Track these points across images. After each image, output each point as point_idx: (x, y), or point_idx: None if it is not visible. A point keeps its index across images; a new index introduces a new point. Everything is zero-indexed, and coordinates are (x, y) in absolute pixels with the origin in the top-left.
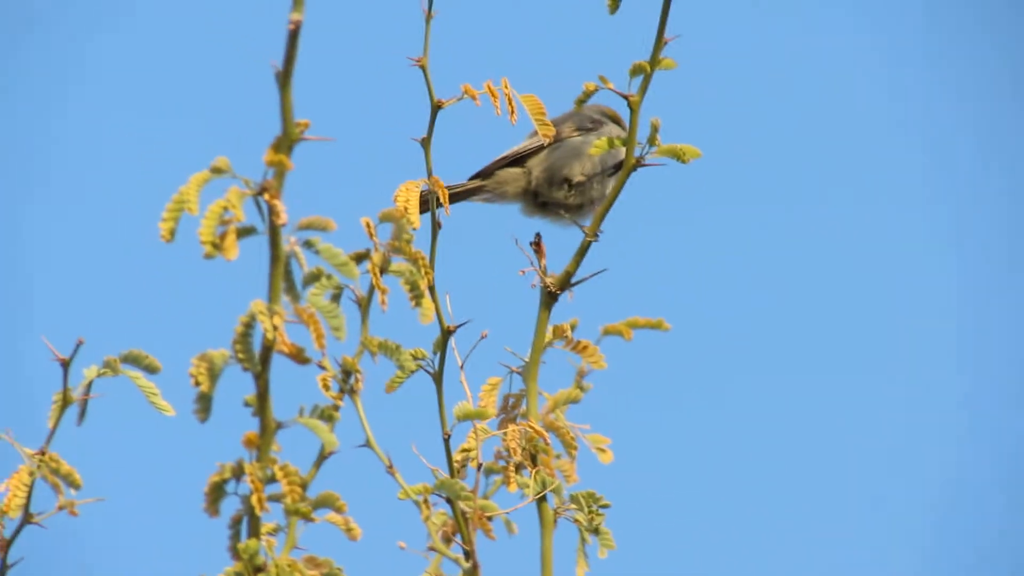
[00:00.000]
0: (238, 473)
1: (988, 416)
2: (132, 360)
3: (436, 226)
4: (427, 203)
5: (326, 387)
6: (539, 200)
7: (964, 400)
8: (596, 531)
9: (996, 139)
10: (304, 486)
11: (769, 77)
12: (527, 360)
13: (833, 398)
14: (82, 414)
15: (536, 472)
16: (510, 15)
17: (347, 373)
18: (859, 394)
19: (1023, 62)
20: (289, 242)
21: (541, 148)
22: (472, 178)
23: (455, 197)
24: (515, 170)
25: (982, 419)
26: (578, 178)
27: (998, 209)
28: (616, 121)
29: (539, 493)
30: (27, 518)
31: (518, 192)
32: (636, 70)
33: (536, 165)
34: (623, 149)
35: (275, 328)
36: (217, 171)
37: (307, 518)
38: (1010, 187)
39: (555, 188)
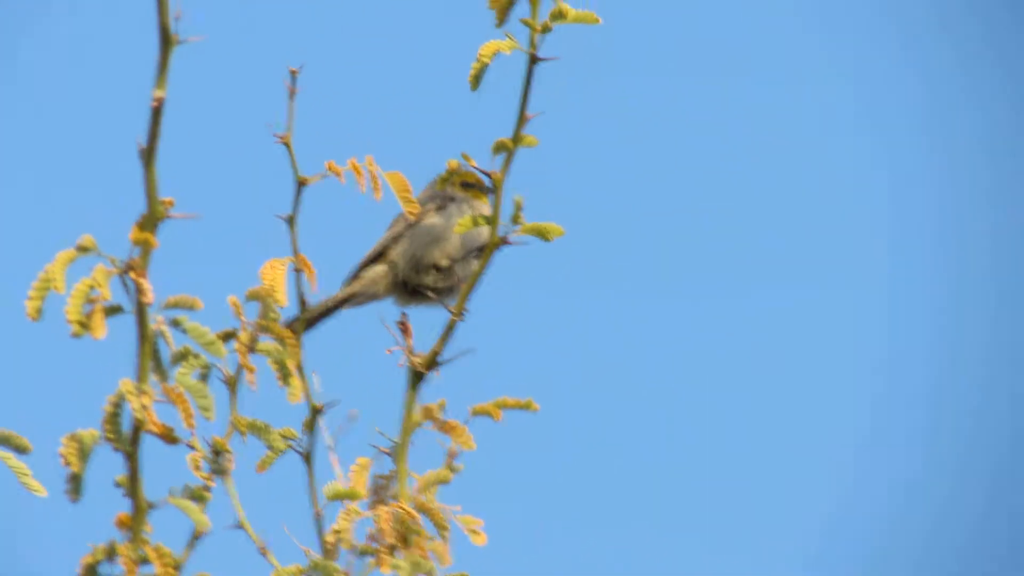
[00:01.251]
0: (111, 554)
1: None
2: (3, 440)
3: (303, 304)
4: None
5: (196, 467)
6: (409, 288)
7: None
8: None
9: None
10: (178, 567)
11: (641, 147)
12: (396, 440)
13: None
14: None
15: (409, 554)
16: (374, 93)
17: (217, 453)
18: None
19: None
20: (156, 321)
21: (399, 238)
22: (343, 286)
23: (329, 311)
24: (380, 267)
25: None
26: (443, 263)
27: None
28: (477, 197)
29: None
30: None
31: (387, 287)
32: (499, 147)
33: (399, 256)
34: (486, 228)
35: (144, 408)
36: (83, 249)
37: None
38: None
39: (421, 274)
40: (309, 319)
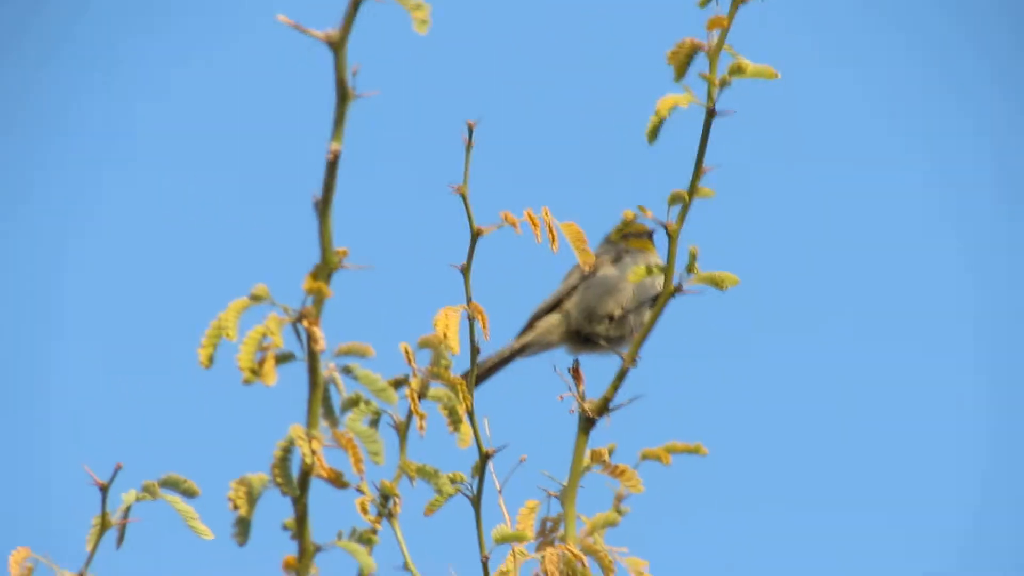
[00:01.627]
0: None
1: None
2: (171, 484)
3: (475, 351)
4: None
5: (364, 511)
6: (581, 336)
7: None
8: None
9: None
10: None
11: (807, 205)
12: (565, 484)
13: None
14: (120, 538)
15: None
16: (552, 142)
17: (385, 497)
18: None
19: None
20: (328, 368)
21: (574, 289)
22: (517, 337)
23: (504, 362)
24: (554, 317)
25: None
26: (616, 312)
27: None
28: (650, 237)
29: None
30: None
31: (561, 337)
32: (674, 199)
33: (573, 306)
34: (660, 277)
35: (313, 453)
36: (256, 298)
37: None
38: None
39: (595, 323)
40: (484, 370)
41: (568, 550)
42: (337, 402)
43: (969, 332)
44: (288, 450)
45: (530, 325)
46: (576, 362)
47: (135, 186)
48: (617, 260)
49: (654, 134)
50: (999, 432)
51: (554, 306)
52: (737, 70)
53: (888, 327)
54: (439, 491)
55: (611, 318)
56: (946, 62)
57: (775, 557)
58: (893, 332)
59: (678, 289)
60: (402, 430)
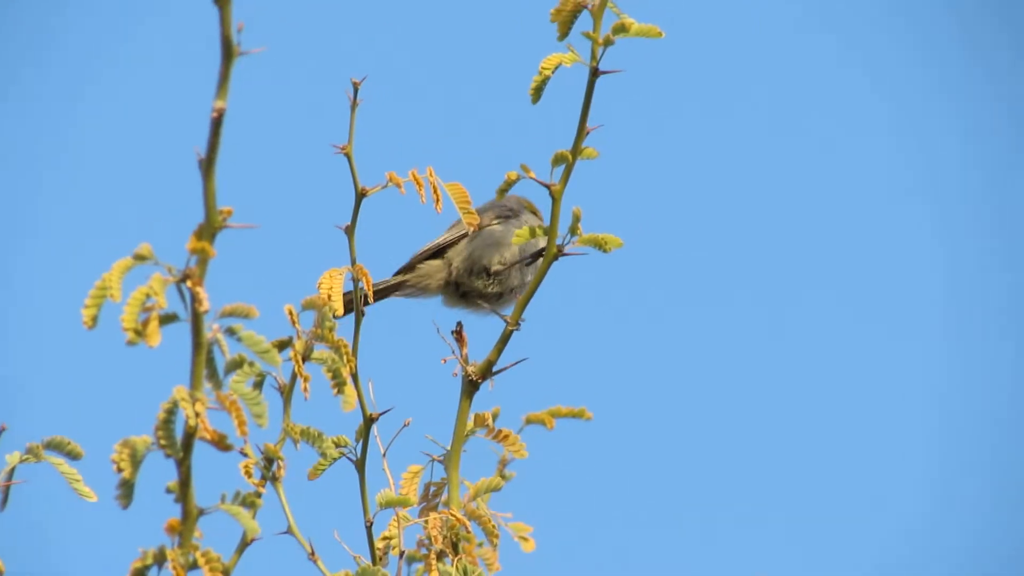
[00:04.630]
0: (160, 559)
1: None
2: (55, 446)
3: (359, 314)
4: (351, 302)
5: (248, 474)
6: (460, 291)
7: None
8: None
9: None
10: (227, 573)
11: (695, 161)
12: (449, 448)
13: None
14: (4, 500)
15: (458, 561)
16: (435, 103)
17: (269, 460)
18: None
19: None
20: (212, 329)
21: (462, 238)
22: (396, 274)
23: (378, 294)
24: (436, 262)
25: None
26: (496, 267)
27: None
28: (534, 213)
29: None
30: None
31: (440, 284)
32: (558, 159)
33: (456, 255)
34: (544, 238)
35: (197, 415)
36: (140, 258)
37: None
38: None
39: (475, 277)
40: (354, 298)
41: (452, 515)
42: (221, 364)
43: (880, 283)
44: (172, 412)
45: (410, 265)
46: (459, 324)
47: (19, 140)
48: (503, 219)
49: (538, 93)
50: (952, 412)
51: (438, 252)
52: (621, 29)
53: (787, 290)
54: (323, 454)
55: (490, 273)
56: None
57: (662, 521)
58: (793, 295)
59: (561, 250)
60: (286, 392)
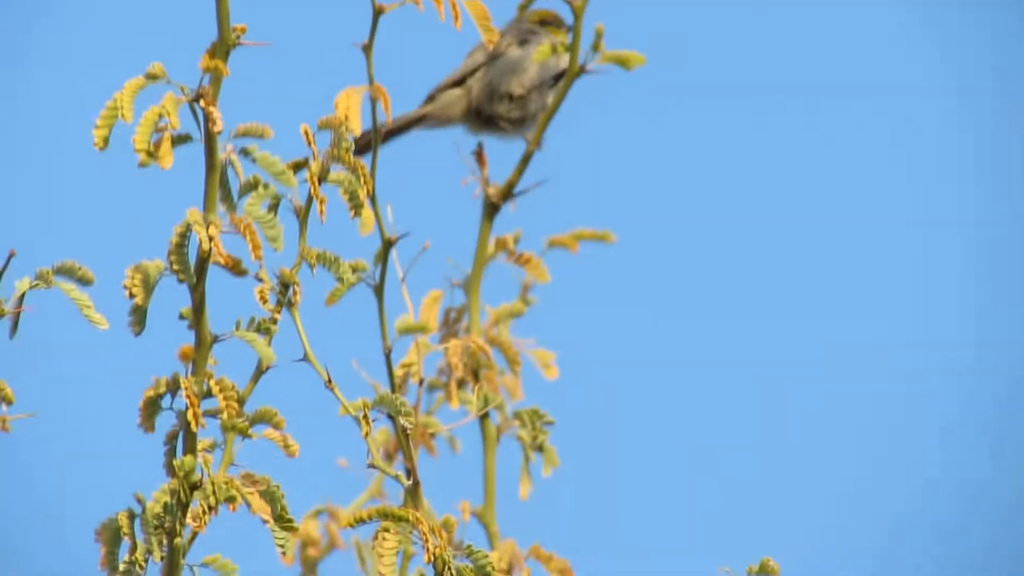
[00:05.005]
0: (173, 388)
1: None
2: (65, 271)
3: (377, 133)
4: (368, 144)
5: (263, 300)
6: (482, 117)
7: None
8: (540, 448)
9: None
10: (241, 401)
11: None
12: (469, 273)
13: (804, 328)
14: (14, 327)
15: (479, 388)
16: None
17: (285, 285)
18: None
19: None
20: (225, 150)
21: (482, 66)
22: (418, 108)
23: (401, 129)
24: (456, 91)
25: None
26: (518, 91)
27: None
28: (559, 27)
29: (482, 410)
30: None
31: (462, 112)
32: None
33: (476, 82)
34: (566, 57)
35: (211, 239)
36: (152, 77)
37: (244, 434)
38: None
39: (496, 102)
40: (383, 135)
41: (472, 341)
42: (235, 186)
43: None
44: (185, 236)
45: (431, 97)
46: (480, 145)
47: None
48: (523, 42)
49: None
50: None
51: (458, 83)
52: None
53: (826, 112)
54: (340, 279)
55: (512, 97)
56: None
57: (690, 351)
58: (830, 116)
59: (583, 68)
60: (302, 215)
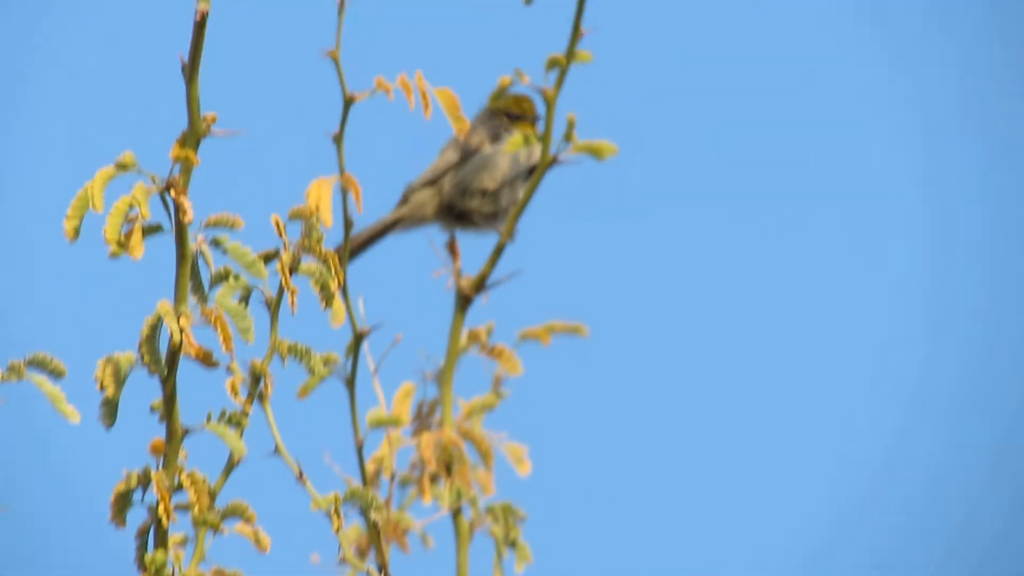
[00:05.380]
0: (144, 481)
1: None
2: (37, 364)
3: (348, 225)
4: (354, 249)
5: (235, 392)
6: (455, 212)
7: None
8: (513, 544)
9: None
10: (213, 495)
11: (695, 68)
12: (442, 365)
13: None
14: None
15: (451, 483)
16: (426, 5)
17: (256, 377)
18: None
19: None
20: (196, 240)
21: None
22: (391, 211)
23: (377, 235)
24: (428, 190)
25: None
26: (490, 186)
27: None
28: (532, 114)
29: (454, 505)
30: None
31: (435, 211)
32: (552, 64)
33: (447, 180)
34: (538, 148)
35: (182, 330)
36: (122, 167)
37: (216, 528)
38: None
39: (468, 198)
40: (357, 244)
41: (445, 435)
42: (206, 277)
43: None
44: (156, 327)
45: (404, 199)
46: (452, 237)
47: None
48: (495, 139)
49: None
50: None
51: (430, 183)
52: None
53: (798, 206)
54: (312, 372)
55: (484, 192)
56: None
57: (658, 440)
58: (803, 213)
59: (555, 159)
60: (273, 307)
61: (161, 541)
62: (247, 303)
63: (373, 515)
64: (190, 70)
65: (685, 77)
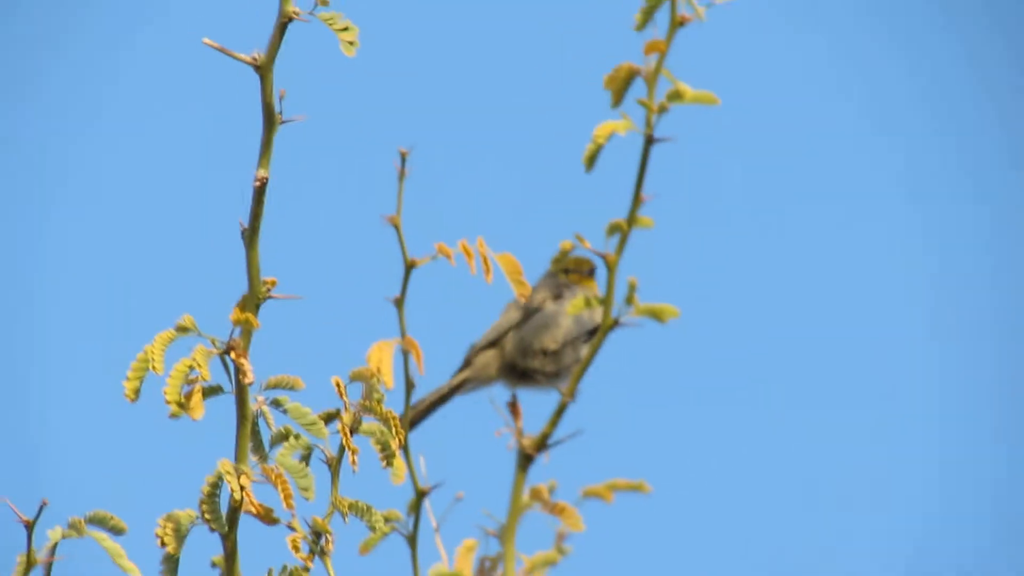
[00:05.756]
0: None
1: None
2: (98, 521)
3: (410, 386)
4: (415, 419)
5: (296, 548)
6: (518, 371)
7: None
8: None
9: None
10: None
11: (752, 233)
12: (504, 522)
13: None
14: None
15: None
16: (486, 173)
17: (317, 534)
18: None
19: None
20: (257, 401)
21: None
22: (455, 374)
23: (444, 398)
24: (491, 351)
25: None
26: (552, 347)
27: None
28: (591, 272)
29: None
30: None
31: (498, 371)
32: (613, 229)
33: (509, 339)
34: (599, 310)
35: (242, 488)
36: (183, 330)
37: None
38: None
39: (530, 357)
40: (423, 408)
41: None
42: (267, 436)
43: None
44: (216, 485)
45: (467, 362)
46: (514, 396)
47: (55, 212)
48: (557, 297)
49: (592, 161)
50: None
51: (493, 343)
52: (676, 95)
53: (851, 378)
54: (373, 528)
55: (545, 352)
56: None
57: None
58: (854, 386)
59: (617, 322)
60: (334, 465)
61: None
62: (308, 461)
63: None
64: (250, 234)
65: (745, 240)
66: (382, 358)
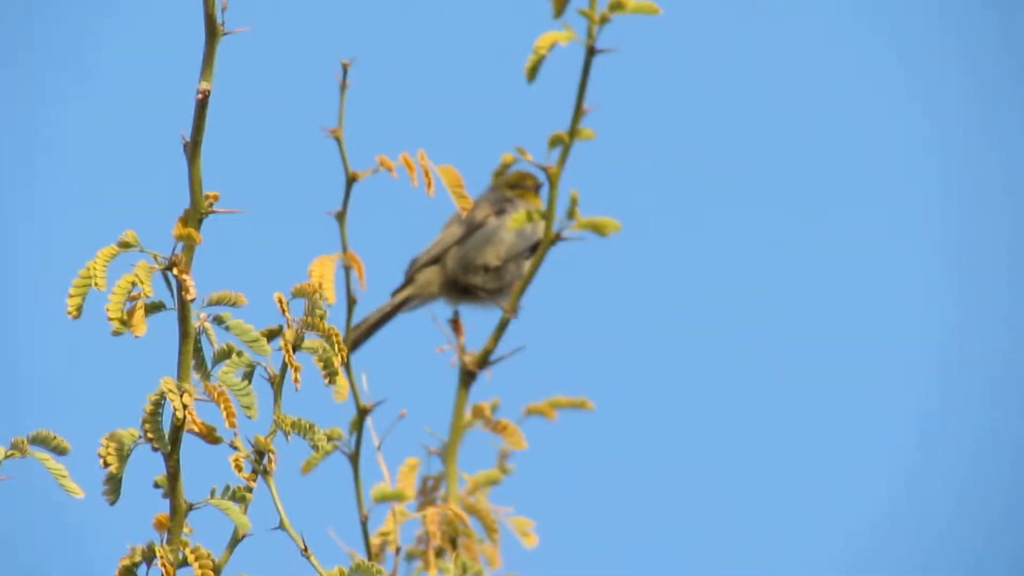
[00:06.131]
0: (149, 556)
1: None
2: (40, 441)
3: (352, 301)
4: (358, 339)
5: (238, 468)
6: (459, 287)
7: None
8: None
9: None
10: (217, 570)
11: (694, 142)
12: (446, 441)
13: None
14: None
15: (457, 557)
16: (426, 85)
17: (260, 453)
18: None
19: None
20: (199, 318)
21: (455, 245)
22: (396, 292)
23: (386, 317)
24: (432, 268)
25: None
26: (494, 263)
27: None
28: (535, 186)
29: None
30: None
31: (440, 287)
32: (554, 141)
33: (451, 256)
34: (541, 224)
35: (185, 407)
36: (125, 245)
37: None
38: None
39: (472, 274)
40: (366, 328)
41: (450, 510)
42: (209, 354)
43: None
44: (159, 404)
45: (409, 279)
46: (456, 313)
47: None
48: (499, 212)
49: (533, 73)
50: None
51: (435, 259)
52: (617, 5)
53: (794, 275)
54: (315, 447)
55: (487, 268)
56: None
57: (665, 514)
58: (801, 281)
59: (559, 236)
60: (276, 383)
61: None
62: (250, 380)
63: None
64: (192, 148)
65: (688, 152)
66: (324, 273)
